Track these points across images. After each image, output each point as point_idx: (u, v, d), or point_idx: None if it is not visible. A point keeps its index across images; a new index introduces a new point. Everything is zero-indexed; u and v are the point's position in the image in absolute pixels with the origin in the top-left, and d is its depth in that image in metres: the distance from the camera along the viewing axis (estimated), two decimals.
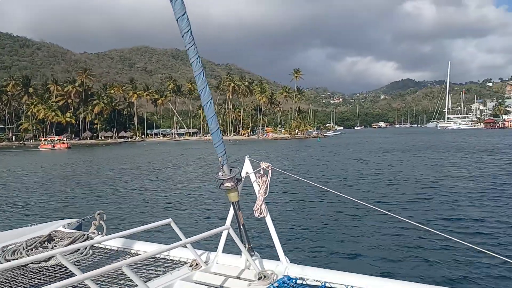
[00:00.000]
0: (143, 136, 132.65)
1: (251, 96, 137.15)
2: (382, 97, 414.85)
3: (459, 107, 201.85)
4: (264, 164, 3.23)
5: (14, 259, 3.54)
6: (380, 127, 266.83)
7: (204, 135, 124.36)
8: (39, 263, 3.42)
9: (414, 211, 13.01)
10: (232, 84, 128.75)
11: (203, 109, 3.06)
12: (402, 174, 22.81)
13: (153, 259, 3.41)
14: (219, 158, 3.06)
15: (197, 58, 2.88)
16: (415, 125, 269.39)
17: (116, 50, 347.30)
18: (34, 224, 4.92)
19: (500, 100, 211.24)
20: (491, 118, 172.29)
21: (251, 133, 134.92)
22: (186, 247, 3.10)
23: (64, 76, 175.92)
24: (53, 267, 3.37)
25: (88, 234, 4.13)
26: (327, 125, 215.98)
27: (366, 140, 79.39)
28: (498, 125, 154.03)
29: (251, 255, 3.03)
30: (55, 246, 3.86)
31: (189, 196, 17.77)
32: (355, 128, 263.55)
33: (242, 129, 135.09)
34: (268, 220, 3.20)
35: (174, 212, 14.15)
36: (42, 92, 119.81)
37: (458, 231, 10.33)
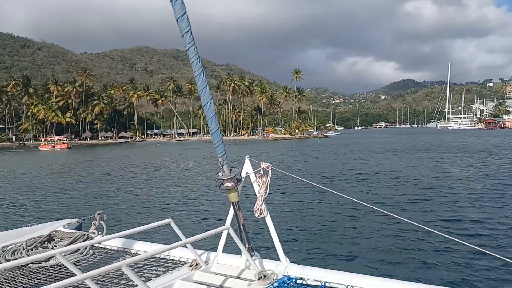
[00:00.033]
0: (143, 136, 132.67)
1: (252, 96, 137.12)
2: (382, 97, 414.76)
3: (460, 108, 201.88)
4: (264, 164, 3.24)
5: (14, 259, 3.54)
6: (381, 127, 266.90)
7: (204, 135, 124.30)
8: (39, 263, 3.43)
9: (414, 212, 13.00)
10: (232, 85, 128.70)
11: (203, 109, 3.06)
12: (402, 174, 22.80)
13: (153, 259, 3.42)
14: (219, 158, 3.06)
15: (197, 58, 2.87)
16: (416, 126, 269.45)
17: (117, 50, 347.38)
18: (34, 224, 4.92)
19: (500, 100, 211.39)
20: (492, 118, 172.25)
21: (251, 133, 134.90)
22: (186, 247, 3.10)
23: (65, 76, 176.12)
24: (53, 267, 3.37)
25: (88, 234, 4.13)
26: (328, 125, 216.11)
27: (366, 140, 79.37)
28: (498, 125, 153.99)
29: (251, 255, 3.03)
30: (55, 246, 3.86)
31: (189, 196, 17.76)
32: (356, 128, 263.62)
33: (242, 129, 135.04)
34: (268, 220, 3.21)
35: (174, 212, 14.15)
36: (42, 92, 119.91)
37: (458, 232, 10.31)
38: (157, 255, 3.46)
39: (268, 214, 3.21)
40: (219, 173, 3.11)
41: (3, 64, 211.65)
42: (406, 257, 8.53)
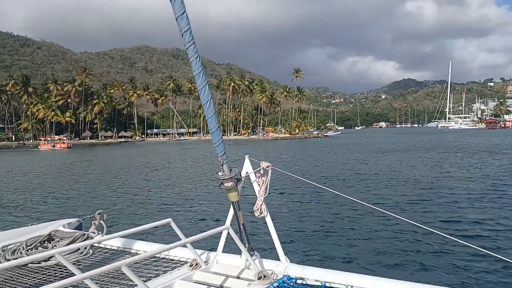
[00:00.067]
0: (143, 136, 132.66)
1: (252, 95, 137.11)
2: (383, 97, 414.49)
3: (460, 107, 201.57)
4: (264, 164, 3.23)
5: (14, 259, 3.54)
6: (381, 127, 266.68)
7: (204, 135, 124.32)
8: (39, 263, 3.43)
9: (414, 212, 13.00)
10: (233, 84, 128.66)
11: (202, 108, 3.06)
12: (402, 174, 22.79)
13: (153, 259, 3.42)
14: (219, 158, 3.05)
15: (197, 57, 2.87)
16: (416, 125, 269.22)
17: (117, 50, 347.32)
18: (34, 224, 4.93)
19: (501, 100, 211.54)
20: (492, 118, 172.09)
21: (251, 133, 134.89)
22: (186, 246, 3.10)
23: (64, 75, 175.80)
24: (53, 267, 3.37)
25: (88, 234, 4.13)
26: (328, 125, 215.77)
27: (366, 140, 79.34)
28: (499, 125, 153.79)
29: (251, 255, 3.03)
30: (55, 245, 3.86)
31: (188, 196, 17.76)
32: (356, 128, 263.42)
33: (242, 129, 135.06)
34: (268, 220, 3.20)
35: (174, 212, 14.15)
36: (42, 92, 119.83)
37: (458, 232, 10.31)
38: (157, 255, 3.46)
39: (268, 214, 3.21)
40: (219, 172, 3.11)
41: (2, 63, 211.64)
42: (406, 257, 8.52)
